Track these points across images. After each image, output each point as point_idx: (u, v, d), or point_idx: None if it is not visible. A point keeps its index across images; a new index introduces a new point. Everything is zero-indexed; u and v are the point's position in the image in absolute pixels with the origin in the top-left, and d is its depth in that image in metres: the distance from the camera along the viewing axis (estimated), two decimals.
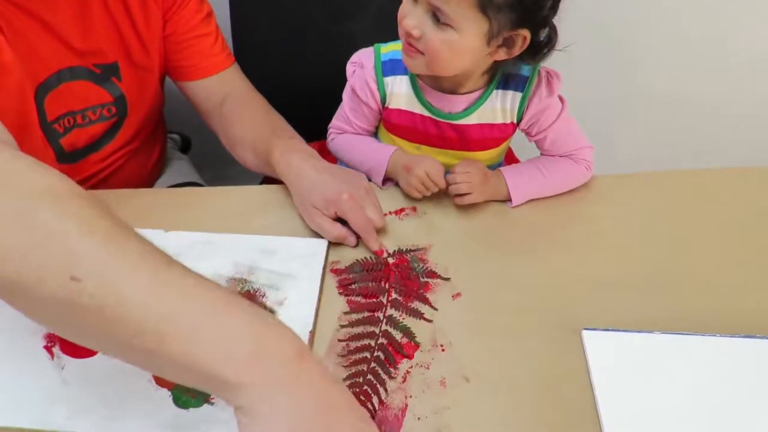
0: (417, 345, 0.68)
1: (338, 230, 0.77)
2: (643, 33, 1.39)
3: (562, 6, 0.73)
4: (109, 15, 0.82)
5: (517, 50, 0.75)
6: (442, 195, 0.85)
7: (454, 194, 0.82)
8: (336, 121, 0.93)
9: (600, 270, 0.76)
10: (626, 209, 0.85)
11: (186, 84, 0.94)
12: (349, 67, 0.87)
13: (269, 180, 0.90)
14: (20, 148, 0.58)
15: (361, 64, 0.86)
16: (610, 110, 1.49)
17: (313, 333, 0.68)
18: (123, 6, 0.83)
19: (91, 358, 0.64)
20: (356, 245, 0.78)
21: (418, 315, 0.71)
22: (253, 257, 0.75)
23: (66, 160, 0.87)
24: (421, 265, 0.76)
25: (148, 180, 1.04)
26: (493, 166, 0.90)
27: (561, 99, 0.85)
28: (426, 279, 0.75)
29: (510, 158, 1.16)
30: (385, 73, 0.85)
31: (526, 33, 0.73)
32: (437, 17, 0.71)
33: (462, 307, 0.72)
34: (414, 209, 0.84)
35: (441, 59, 0.75)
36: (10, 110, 0.75)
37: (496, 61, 0.79)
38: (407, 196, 0.85)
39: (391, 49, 0.85)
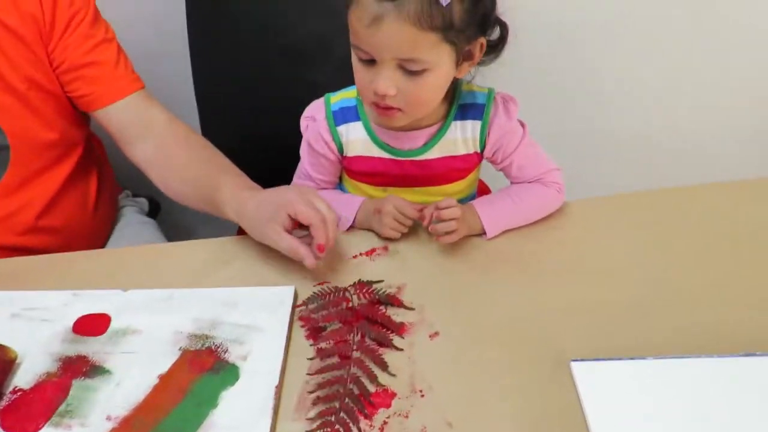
0: (394, 393, 0.62)
1: (289, 241, 0.72)
2: (611, 60, 1.40)
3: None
4: None
5: (478, 58, 0.74)
6: (414, 232, 0.82)
7: (440, 233, 0.77)
8: (297, 179, 0.90)
9: (583, 296, 0.72)
10: (603, 233, 0.81)
11: (96, 114, 0.89)
12: (303, 122, 0.86)
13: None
14: None
15: (313, 118, 0.84)
16: (577, 138, 1.49)
17: (279, 387, 0.63)
18: None
19: None
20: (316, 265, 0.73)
21: (387, 344, 0.67)
22: (215, 311, 0.71)
23: None
24: (383, 291, 0.73)
25: (91, 224, 0.98)
26: (465, 200, 0.87)
27: (521, 123, 0.84)
28: (391, 308, 0.71)
29: (484, 191, 1.14)
30: (338, 123, 0.83)
31: (482, 40, 0.73)
32: (407, 68, 0.69)
33: (440, 348, 0.67)
34: (386, 248, 0.81)
35: (425, 104, 0.75)
36: None
37: (453, 82, 0.77)
38: (380, 237, 0.82)
39: (340, 97, 0.84)
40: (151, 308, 0.71)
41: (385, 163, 0.84)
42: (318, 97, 0.86)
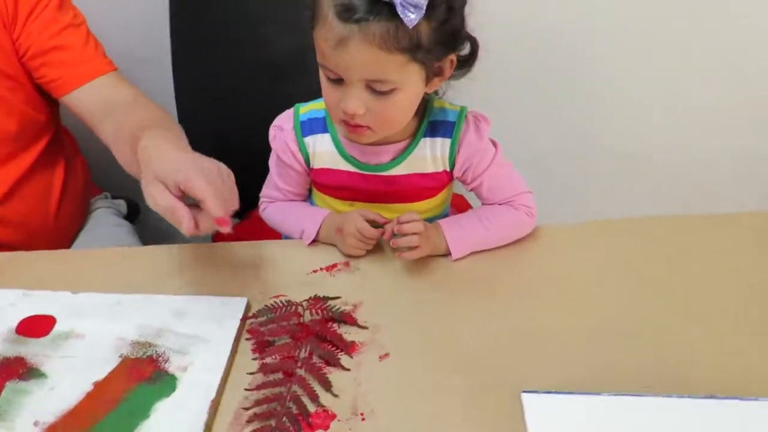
0: (334, 414, 0.60)
1: (168, 200, 0.60)
2: (593, 81, 1.38)
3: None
4: None
5: (448, 73, 0.73)
6: (379, 248, 0.80)
7: (401, 248, 0.75)
8: (266, 189, 0.89)
9: (546, 325, 0.69)
10: (572, 260, 0.79)
11: (65, 100, 0.87)
12: (271, 131, 0.84)
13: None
14: None
15: (281, 127, 0.83)
16: (557, 159, 1.47)
17: (216, 402, 0.60)
18: None
19: None
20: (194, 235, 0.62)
21: (334, 363, 0.65)
22: (163, 319, 0.69)
23: None
24: (337, 308, 0.70)
25: (53, 221, 0.96)
26: (435, 219, 0.84)
27: (494, 143, 0.82)
28: (344, 326, 0.69)
29: (465, 208, 1.12)
30: (305, 133, 0.81)
31: (452, 56, 0.71)
32: (375, 88, 0.68)
33: (389, 370, 0.65)
34: (347, 264, 0.79)
35: (394, 122, 0.74)
36: None
37: (424, 96, 0.76)
38: (342, 253, 0.80)
39: (310, 108, 0.82)
40: (98, 313, 0.70)
41: (351, 177, 0.82)
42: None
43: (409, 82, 0.69)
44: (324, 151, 0.81)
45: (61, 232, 0.98)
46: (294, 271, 0.78)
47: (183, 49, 1.04)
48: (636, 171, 1.49)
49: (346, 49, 0.65)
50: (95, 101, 0.87)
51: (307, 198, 0.90)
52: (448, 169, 0.82)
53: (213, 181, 0.61)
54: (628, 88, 1.39)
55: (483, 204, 0.84)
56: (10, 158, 0.89)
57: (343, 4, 0.63)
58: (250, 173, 0.92)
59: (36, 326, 0.68)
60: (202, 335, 0.67)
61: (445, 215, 0.91)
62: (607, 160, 1.48)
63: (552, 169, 1.45)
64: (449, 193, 0.88)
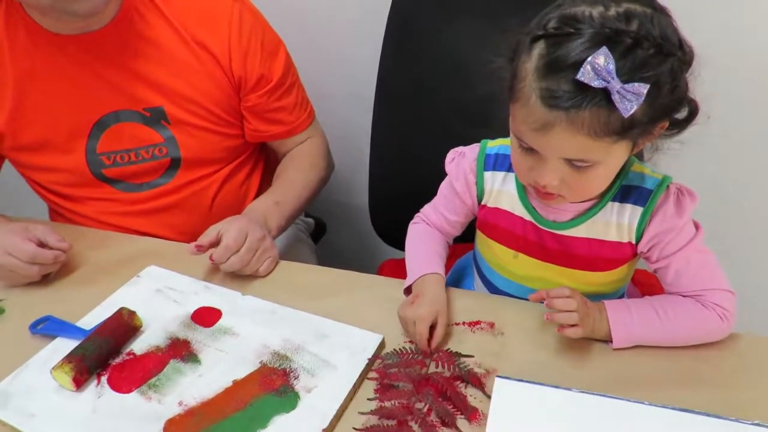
0: None
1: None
2: None
3: None
4: (163, 67, 0.92)
5: (657, 136, 0.64)
6: (531, 316, 0.74)
7: (557, 323, 0.68)
8: (426, 207, 0.88)
9: None
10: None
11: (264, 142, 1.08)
12: (450, 155, 0.82)
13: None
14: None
15: (463, 154, 0.81)
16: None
17: (327, 431, 0.62)
18: (179, 64, 0.93)
19: (126, 395, 0.67)
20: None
21: (450, 425, 0.62)
22: (305, 337, 0.73)
23: (117, 186, 0.99)
24: (467, 366, 0.67)
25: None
26: (608, 297, 0.75)
27: (696, 225, 0.70)
28: (471, 388, 0.66)
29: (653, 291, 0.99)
30: (487, 167, 0.78)
31: (664, 123, 0.62)
32: (574, 164, 0.63)
33: None
34: (491, 325, 0.75)
35: (591, 193, 0.69)
36: (59, 137, 0.94)
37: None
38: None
39: (500, 143, 0.79)
40: (255, 317, 0.77)
41: (525, 225, 0.76)
42: None
43: (614, 157, 0.63)
44: (504, 191, 0.77)
45: None
46: None
47: (387, 85, 1.10)
48: None
49: (549, 133, 0.59)
50: (284, 149, 1.08)
51: (460, 232, 0.86)
52: (633, 242, 0.72)
53: (234, 233, 0.83)
54: None
55: (667, 292, 0.73)
56: (215, 166, 1.04)
57: (550, 89, 0.57)
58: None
59: (206, 316, 0.78)
60: (333, 362, 0.69)
61: (620, 296, 0.81)
62: None
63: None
64: (630, 272, 0.78)
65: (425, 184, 1.10)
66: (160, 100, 0.94)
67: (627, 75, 0.55)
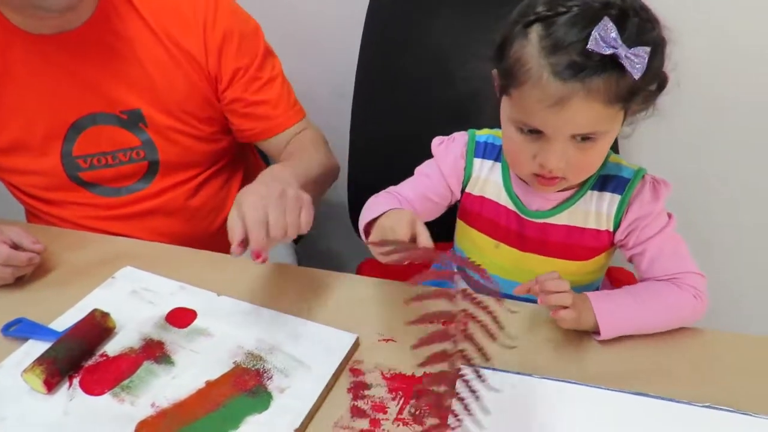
0: None
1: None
2: None
3: None
4: (140, 68, 0.90)
5: (646, 107, 0.67)
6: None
7: (552, 305, 0.68)
8: (402, 185, 0.84)
9: None
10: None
11: (256, 144, 1.03)
12: (437, 139, 0.83)
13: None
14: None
15: (453, 138, 0.82)
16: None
17: (299, 431, 0.62)
18: (156, 64, 0.91)
19: (98, 397, 0.67)
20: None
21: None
22: (280, 337, 0.73)
23: (94, 190, 0.98)
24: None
25: (220, 225, 1.07)
26: (585, 289, 0.76)
27: (669, 214, 0.73)
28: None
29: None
30: (477, 154, 0.79)
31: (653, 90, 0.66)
32: (580, 139, 0.65)
33: None
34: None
35: (592, 169, 0.71)
36: (35, 139, 0.92)
37: None
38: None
39: (488, 132, 0.81)
40: (231, 318, 0.77)
41: (508, 215, 0.78)
42: None
43: (615, 129, 0.66)
44: (490, 180, 0.79)
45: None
46: (411, 316, 0.76)
47: (366, 81, 1.10)
48: None
49: (566, 107, 0.62)
50: (277, 149, 1.01)
51: (430, 218, 0.83)
52: (611, 230, 0.75)
53: (252, 209, 0.67)
54: None
55: (641, 280, 0.75)
56: (194, 169, 1.03)
57: (563, 62, 0.60)
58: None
59: (181, 317, 0.78)
60: (306, 361, 0.70)
61: (595, 289, 0.82)
62: None
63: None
64: (606, 262, 0.80)
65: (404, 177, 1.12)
66: (138, 102, 0.93)
67: (630, 41, 0.58)
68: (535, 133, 0.66)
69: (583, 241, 0.76)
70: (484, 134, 0.81)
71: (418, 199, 0.82)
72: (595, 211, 0.75)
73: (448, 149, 0.82)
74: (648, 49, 0.59)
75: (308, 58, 1.27)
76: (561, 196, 0.75)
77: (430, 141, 1.07)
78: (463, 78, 1.03)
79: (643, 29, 0.60)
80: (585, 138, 0.64)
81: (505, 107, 0.70)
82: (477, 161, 0.79)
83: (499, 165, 0.78)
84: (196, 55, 0.93)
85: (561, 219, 0.76)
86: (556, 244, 0.77)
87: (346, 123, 1.13)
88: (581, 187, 0.75)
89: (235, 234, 0.68)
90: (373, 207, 0.77)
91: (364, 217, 0.75)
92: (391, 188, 0.85)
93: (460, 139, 0.81)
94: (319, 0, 1.24)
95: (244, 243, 0.68)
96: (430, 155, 1.08)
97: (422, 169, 0.85)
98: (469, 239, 0.83)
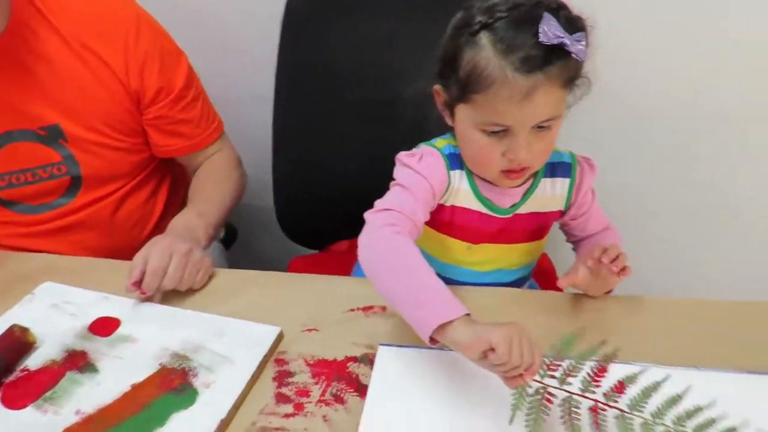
0: None
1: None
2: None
3: None
4: (57, 83, 0.90)
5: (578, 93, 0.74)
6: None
7: (621, 266, 0.73)
8: (403, 202, 0.74)
9: None
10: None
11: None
12: (411, 156, 0.78)
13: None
14: None
15: (431, 153, 0.79)
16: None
17: (226, 422, 0.64)
18: (74, 79, 0.91)
19: (21, 411, 0.67)
20: None
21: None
22: (205, 336, 0.75)
23: (15, 208, 0.97)
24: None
25: (148, 234, 1.08)
26: (523, 270, 0.89)
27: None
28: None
29: (548, 267, 1.10)
30: (452, 167, 0.79)
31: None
32: (540, 127, 0.71)
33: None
34: (384, 309, 0.79)
35: (549, 153, 0.77)
36: None
37: None
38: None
39: (445, 143, 0.80)
40: (155, 322, 0.78)
41: (482, 218, 0.82)
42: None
43: (563, 112, 0.73)
44: (461, 188, 0.80)
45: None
46: (334, 306, 0.80)
47: (287, 84, 1.11)
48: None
49: (533, 98, 0.67)
50: (193, 165, 1.07)
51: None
52: (563, 209, 0.86)
53: (157, 256, 0.80)
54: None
55: (574, 239, 0.91)
56: (118, 182, 1.03)
57: (521, 58, 0.66)
58: (332, 206, 1.00)
59: (104, 326, 0.78)
60: (231, 357, 0.72)
61: (529, 271, 0.92)
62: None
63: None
64: (545, 241, 0.89)
65: (328, 182, 1.15)
66: (56, 117, 0.92)
67: (568, 30, 0.66)
68: (501, 131, 0.70)
69: (542, 221, 0.85)
70: (443, 145, 0.80)
71: (419, 218, 0.76)
72: (550, 195, 0.83)
73: (433, 166, 0.78)
74: (585, 34, 0.67)
75: (221, 60, 1.27)
76: (523, 188, 0.82)
77: (354, 139, 1.11)
78: (385, 77, 1.07)
79: (572, 20, 0.68)
80: (541, 126, 0.70)
81: (467, 114, 0.72)
82: (454, 174, 0.79)
83: (464, 172, 0.80)
84: (117, 70, 0.93)
85: (528, 207, 0.83)
86: (526, 230, 0.85)
87: (265, 124, 1.14)
88: (536, 177, 0.82)
89: (132, 274, 0.79)
90: (403, 272, 0.67)
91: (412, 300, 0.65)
92: (397, 207, 0.73)
93: (434, 152, 0.79)
94: (229, 0, 1.25)
95: (138, 284, 0.79)
96: (353, 153, 1.12)
97: (412, 187, 0.76)
98: (437, 241, 0.84)
